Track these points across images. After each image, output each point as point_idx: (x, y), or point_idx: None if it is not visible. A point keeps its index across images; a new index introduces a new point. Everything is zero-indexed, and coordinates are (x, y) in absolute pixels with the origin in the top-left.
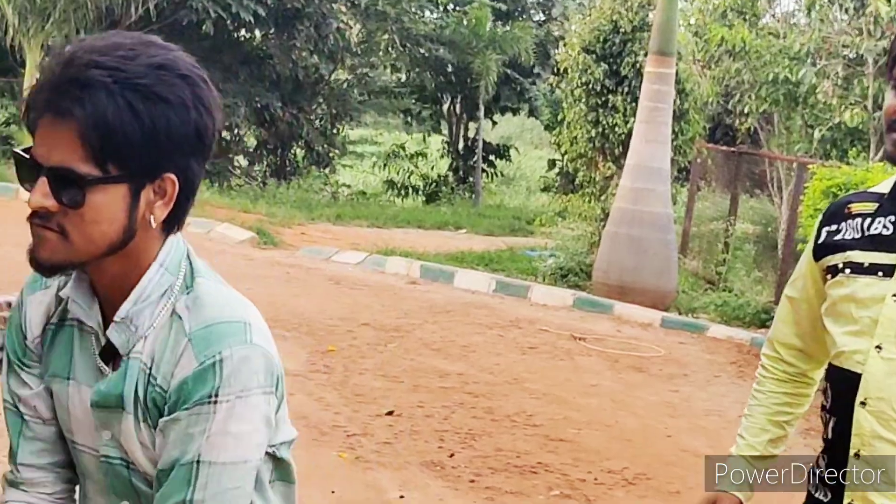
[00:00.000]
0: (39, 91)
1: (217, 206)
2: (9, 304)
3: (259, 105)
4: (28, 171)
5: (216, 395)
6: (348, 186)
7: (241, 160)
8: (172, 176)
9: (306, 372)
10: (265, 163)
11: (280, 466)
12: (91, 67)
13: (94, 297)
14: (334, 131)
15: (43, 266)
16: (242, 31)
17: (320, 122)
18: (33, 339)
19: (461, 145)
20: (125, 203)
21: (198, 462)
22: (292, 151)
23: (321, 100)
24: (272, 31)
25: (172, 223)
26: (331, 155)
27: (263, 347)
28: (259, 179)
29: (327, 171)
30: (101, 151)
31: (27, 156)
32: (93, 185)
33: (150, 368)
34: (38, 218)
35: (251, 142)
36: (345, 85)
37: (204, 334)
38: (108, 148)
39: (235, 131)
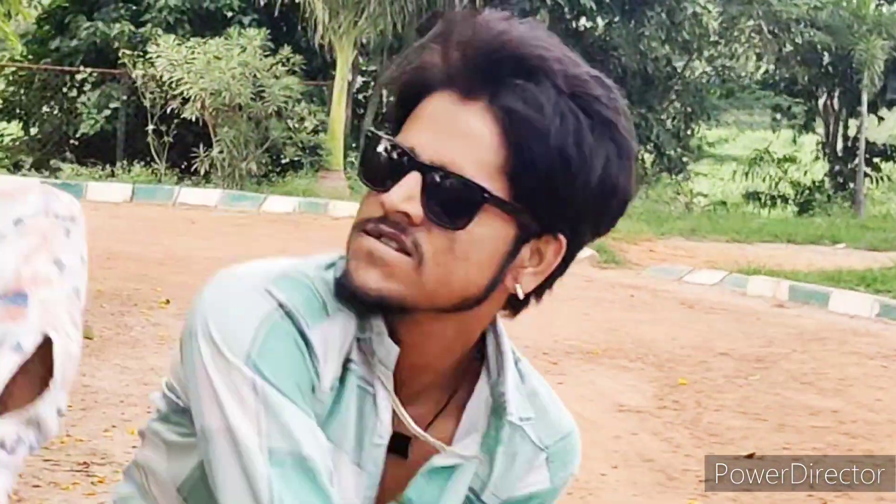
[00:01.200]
0: (433, 60)
1: None
2: None
3: None
4: (388, 162)
5: None
6: (705, 196)
7: None
8: (563, 238)
9: (653, 408)
10: None
11: None
12: (536, 48)
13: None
14: (689, 132)
15: (365, 294)
16: (582, 20)
17: (672, 122)
18: (324, 388)
19: (839, 146)
20: (504, 250)
21: None
22: (640, 156)
23: (674, 96)
24: (617, 18)
25: (523, 303)
26: (684, 160)
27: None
28: None
29: (680, 178)
30: (518, 169)
31: (392, 140)
32: (487, 209)
33: (480, 488)
34: (385, 225)
35: None
36: (702, 79)
37: (560, 451)
38: (528, 168)
39: None
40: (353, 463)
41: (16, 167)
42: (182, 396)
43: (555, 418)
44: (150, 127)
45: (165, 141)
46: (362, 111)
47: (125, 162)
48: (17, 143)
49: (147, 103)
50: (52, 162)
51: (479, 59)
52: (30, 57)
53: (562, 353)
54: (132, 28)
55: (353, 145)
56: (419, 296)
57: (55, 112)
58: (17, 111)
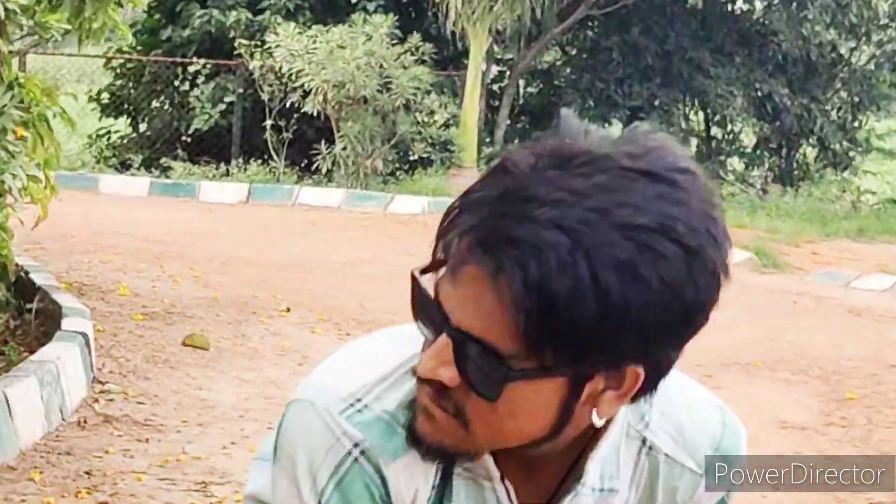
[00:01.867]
0: (463, 209)
1: None
2: None
3: (759, 94)
4: (429, 313)
5: None
6: (873, 193)
7: (735, 162)
8: (638, 368)
9: (818, 425)
10: (766, 165)
11: None
12: (539, 224)
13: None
14: (856, 124)
15: (426, 446)
16: (739, 3)
17: (838, 112)
18: None
19: None
20: (559, 396)
21: None
22: (801, 151)
23: (839, 85)
24: (777, 0)
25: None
26: (851, 154)
27: None
28: (758, 186)
29: (846, 174)
30: (538, 334)
31: (428, 291)
32: (517, 378)
33: None
34: (429, 386)
35: (748, 140)
36: (870, 65)
37: (723, 455)
38: (549, 332)
39: (729, 127)
40: None
41: (124, 166)
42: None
43: (695, 432)
44: (268, 122)
45: (284, 137)
46: (497, 103)
47: (241, 160)
48: (126, 140)
49: (265, 97)
50: (162, 160)
51: (496, 229)
52: (139, 48)
53: (717, 364)
54: (249, 16)
55: (488, 140)
56: (478, 447)
57: (166, 107)
58: (126, 106)
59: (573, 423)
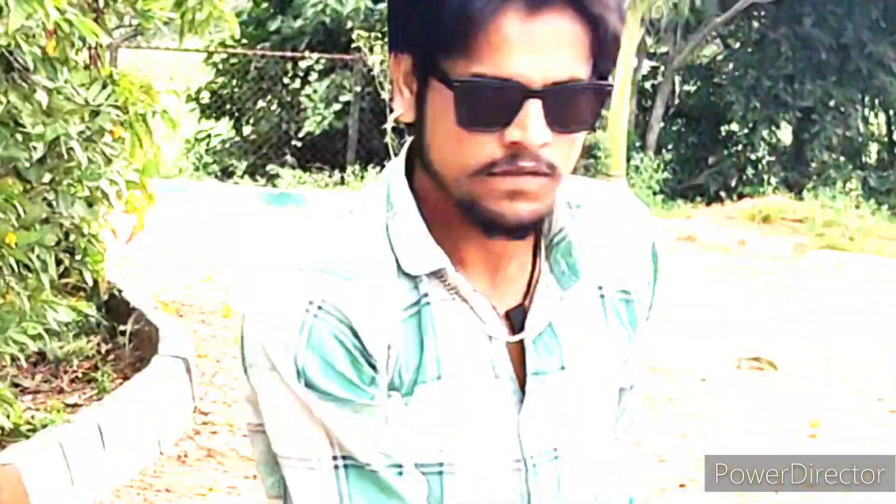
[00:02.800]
0: None
1: (889, 238)
2: None
3: None
4: (496, 101)
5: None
6: None
7: None
8: None
9: None
10: None
11: None
12: None
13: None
14: None
15: (524, 226)
16: None
17: None
18: (384, 360)
19: None
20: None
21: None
22: None
23: None
24: None
25: None
26: None
27: None
28: None
29: None
30: (603, 45)
31: (496, 79)
32: (607, 94)
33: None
34: (523, 162)
35: None
36: None
37: (632, 203)
38: (609, 39)
39: None
40: (490, 378)
41: (225, 173)
42: (255, 415)
43: (599, 192)
44: (389, 124)
45: (407, 141)
46: (649, 103)
47: (357, 167)
48: (228, 145)
49: (385, 95)
50: (269, 167)
51: None
52: (244, 41)
53: None
54: (369, 4)
55: (638, 145)
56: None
57: (273, 107)
58: (228, 107)
59: None
